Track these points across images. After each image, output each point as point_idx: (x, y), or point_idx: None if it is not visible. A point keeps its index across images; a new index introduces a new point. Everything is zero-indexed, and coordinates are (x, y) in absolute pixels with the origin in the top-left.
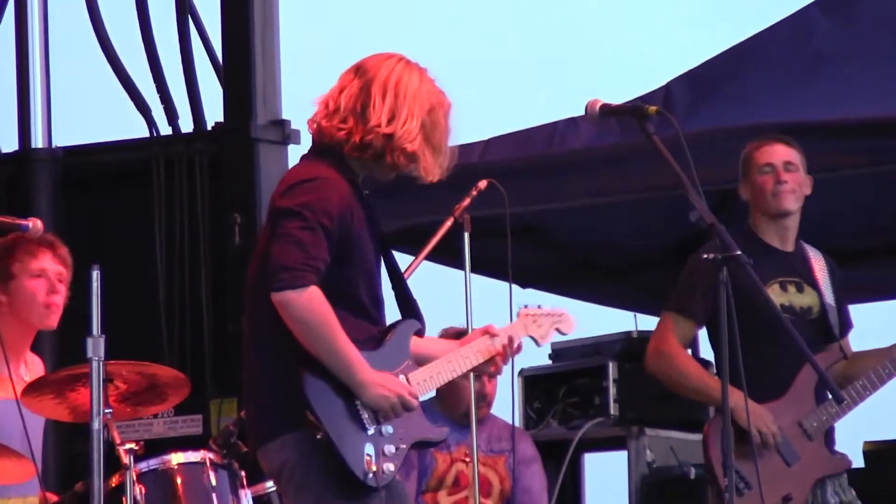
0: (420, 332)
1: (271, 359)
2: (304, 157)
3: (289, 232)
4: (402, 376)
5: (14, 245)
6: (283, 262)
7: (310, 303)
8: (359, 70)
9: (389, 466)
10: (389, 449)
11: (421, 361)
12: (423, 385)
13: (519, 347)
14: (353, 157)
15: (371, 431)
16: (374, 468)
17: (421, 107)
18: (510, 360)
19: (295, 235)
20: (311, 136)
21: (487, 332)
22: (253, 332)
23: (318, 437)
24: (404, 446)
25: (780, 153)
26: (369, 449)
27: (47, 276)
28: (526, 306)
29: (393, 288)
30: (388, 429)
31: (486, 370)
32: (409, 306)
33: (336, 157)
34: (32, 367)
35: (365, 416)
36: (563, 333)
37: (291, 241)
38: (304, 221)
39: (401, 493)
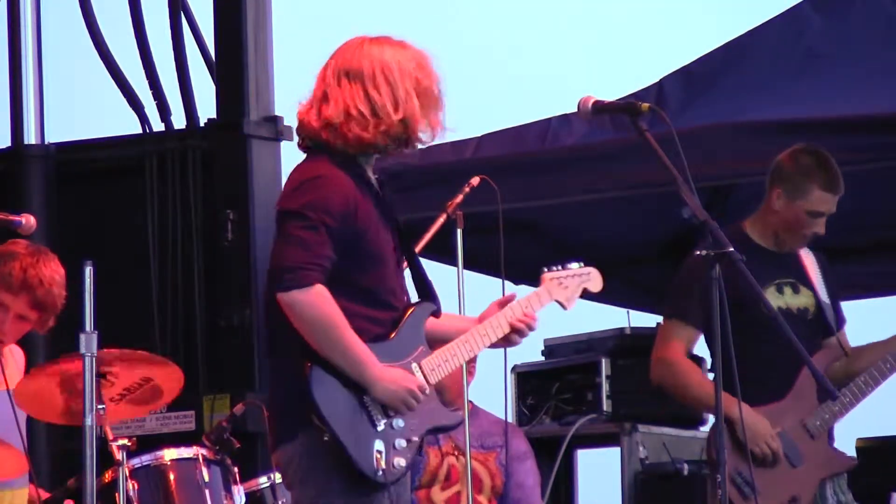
0: (436, 314)
1: (283, 359)
2: (306, 158)
3: (291, 232)
4: (414, 365)
5: (8, 259)
6: (286, 262)
7: (315, 302)
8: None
9: (400, 461)
10: (400, 443)
11: (439, 340)
12: (438, 371)
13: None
14: (369, 151)
15: (381, 427)
16: (383, 465)
17: (411, 82)
18: (530, 332)
19: (297, 235)
20: (303, 137)
21: (505, 303)
22: (269, 334)
23: (325, 438)
24: (416, 438)
25: (833, 206)
26: (379, 445)
27: (4, 313)
28: (549, 268)
29: (409, 269)
30: (398, 422)
31: (511, 341)
32: (423, 287)
33: (337, 153)
34: (9, 359)
35: (374, 411)
36: (591, 292)
37: (294, 242)
38: (307, 221)
39: (406, 492)
